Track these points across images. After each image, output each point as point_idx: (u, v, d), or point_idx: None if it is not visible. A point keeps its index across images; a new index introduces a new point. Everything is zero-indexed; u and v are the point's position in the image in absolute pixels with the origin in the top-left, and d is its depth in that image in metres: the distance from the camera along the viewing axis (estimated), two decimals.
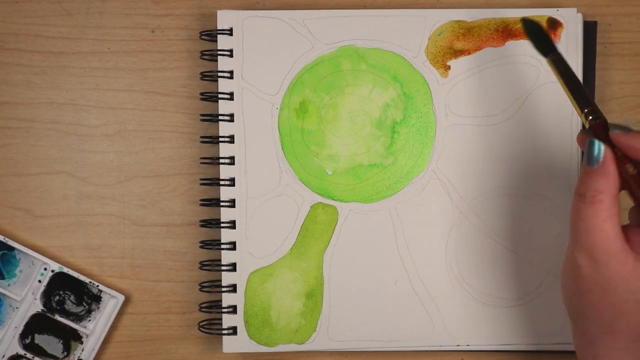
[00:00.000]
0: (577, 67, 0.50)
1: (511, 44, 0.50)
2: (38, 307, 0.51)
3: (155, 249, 0.53)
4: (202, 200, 0.52)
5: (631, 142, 0.40)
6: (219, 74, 0.50)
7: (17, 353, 0.51)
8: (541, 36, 0.47)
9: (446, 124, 0.51)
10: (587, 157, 0.41)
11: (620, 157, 0.41)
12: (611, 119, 0.48)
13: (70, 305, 0.52)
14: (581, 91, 0.43)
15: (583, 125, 0.43)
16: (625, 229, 0.41)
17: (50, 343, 0.52)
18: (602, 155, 0.40)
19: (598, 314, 0.40)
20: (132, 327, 0.53)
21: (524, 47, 0.50)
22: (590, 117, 0.42)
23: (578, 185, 0.41)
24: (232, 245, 0.51)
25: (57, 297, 0.52)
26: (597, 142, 0.40)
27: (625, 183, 0.41)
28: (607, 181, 0.40)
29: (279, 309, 0.51)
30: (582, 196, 0.40)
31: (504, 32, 0.50)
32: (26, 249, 0.51)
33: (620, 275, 0.39)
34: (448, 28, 0.51)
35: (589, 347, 0.42)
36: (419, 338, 0.51)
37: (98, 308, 0.53)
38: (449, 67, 0.51)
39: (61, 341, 0.52)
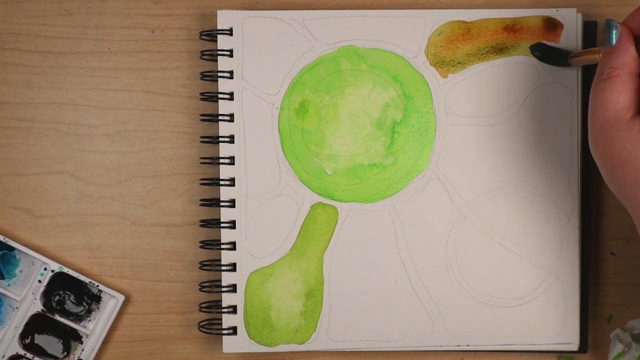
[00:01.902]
0: (577, 67, 0.50)
1: (511, 44, 0.51)
2: (38, 307, 0.51)
3: (155, 249, 0.53)
4: (202, 200, 0.52)
5: (636, 16, 0.42)
6: (219, 74, 0.50)
7: (17, 353, 0.51)
8: (550, 52, 0.50)
9: (446, 124, 0.51)
10: (605, 37, 0.42)
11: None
12: None
13: (70, 305, 0.52)
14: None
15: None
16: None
17: (50, 343, 0.52)
18: (617, 33, 0.42)
19: (629, 187, 0.41)
20: (132, 327, 0.53)
21: (524, 47, 0.50)
22: None
23: (598, 68, 0.42)
24: (232, 245, 0.51)
25: (57, 297, 0.52)
26: (613, 22, 0.42)
27: None
28: (623, 57, 0.41)
29: (279, 309, 0.51)
30: (600, 75, 0.42)
31: (503, 32, 0.50)
32: (26, 249, 0.51)
33: (630, 140, 0.40)
34: (448, 28, 0.51)
35: None
36: (419, 338, 0.51)
37: (98, 308, 0.53)
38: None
39: (61, 341, 0.52)
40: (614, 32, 0.42)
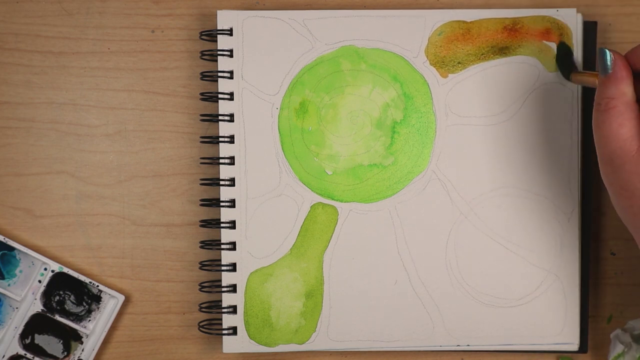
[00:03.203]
0: (577, 67, 0.50)
1: (511, 44, 0.51)
2: (38, 307, 0.51)
3: (155, 249, 0.53)
4: (202, 200, 0.52)
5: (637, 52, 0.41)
6: (219, 74, 0.50)
7: (17, 353, 0.51)
8: (564, 60, 0.50)
9: (446, 124, 0.51)
10: (600, 66, 0.41)
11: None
12: None
13: (70, 305, 0.52)
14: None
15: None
16: None
17: (50, 343, 0.52)
18: (611, 62, 0.41)
19: (634, 217, 0.40)
20: (132, 327, 0.53)
21: (524, 47, 0.50)
22: None
23: (595, 96, 0.42)
24: (232, 245, 0.51)
25: (57, 297, 0.52)
26: (607, 50, 0.41)
27: None
28: (619, 87, 0.40)
29: (279, 309, 0.51)
30: (598, 105, 0.41)
31: (503, 32, 0.50)
32: (26, 249, 0.51)
33: (636, 174, 0.39)
34: (448, 28, 0.51)
35: None
36: (419, 338, 0.51)
37: (98, 308, 0.53)
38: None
39: (61, 341, 0.52)
40: (609, 58, 0.41)
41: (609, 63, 0.41)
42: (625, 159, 0.40)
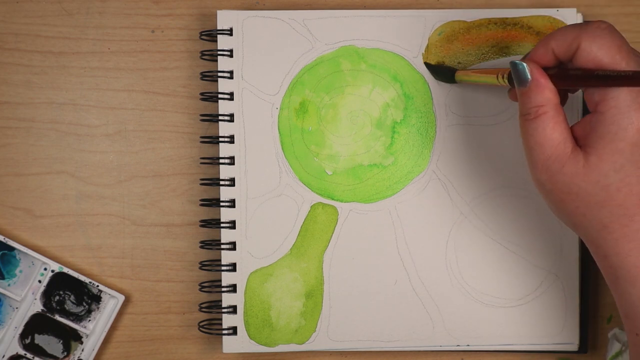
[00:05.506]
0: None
1: (511, 44, 0.51)
2: (38, 307, 0.51)
3: (155, 249, 0.53)
4: (202, 200, 0.52)
5: (539, 50, 0.41)
6: (219, 74, 0.50)
7: (17, 353, 0.51)
8: (440, 70, 0.50)
9: (446, 123, 0.51)
10: (517, 79, 0.41)
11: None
12: None
13: (70, 305, 0.52)
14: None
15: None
16: (571, 129, 0.42)
17: (50, 343, 0.52)
18: (528, 72, 0.41)
19: (582, 218, 0.41)
20: (132, 327, 0.53)
21: (524, 47, 0.50)
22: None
23: (520, 108, 0.42)
24: (232, 245, 0.51)
25: (57, 297, 0.52)
26: (519, 62, 0.41)
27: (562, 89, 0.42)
28: (544, 93, 0.41)
29: (279, 309, 0.51)
30: (527, 115, 0.41)
31: (503, 32, 0.50)
32: (26, 249, 0.51)
33: (577, 174, 0.40)
34: (448, 28, 0.51)
35: (599, 253, 0.41)
36: (419, 338, 0.51)
37: (98, 308, 0.53)
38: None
39: (61, 341, 0.52)
40: (526, 69, 0.41)
41: (527, 74, 0.41)
42: (563, 161, 0.40)
